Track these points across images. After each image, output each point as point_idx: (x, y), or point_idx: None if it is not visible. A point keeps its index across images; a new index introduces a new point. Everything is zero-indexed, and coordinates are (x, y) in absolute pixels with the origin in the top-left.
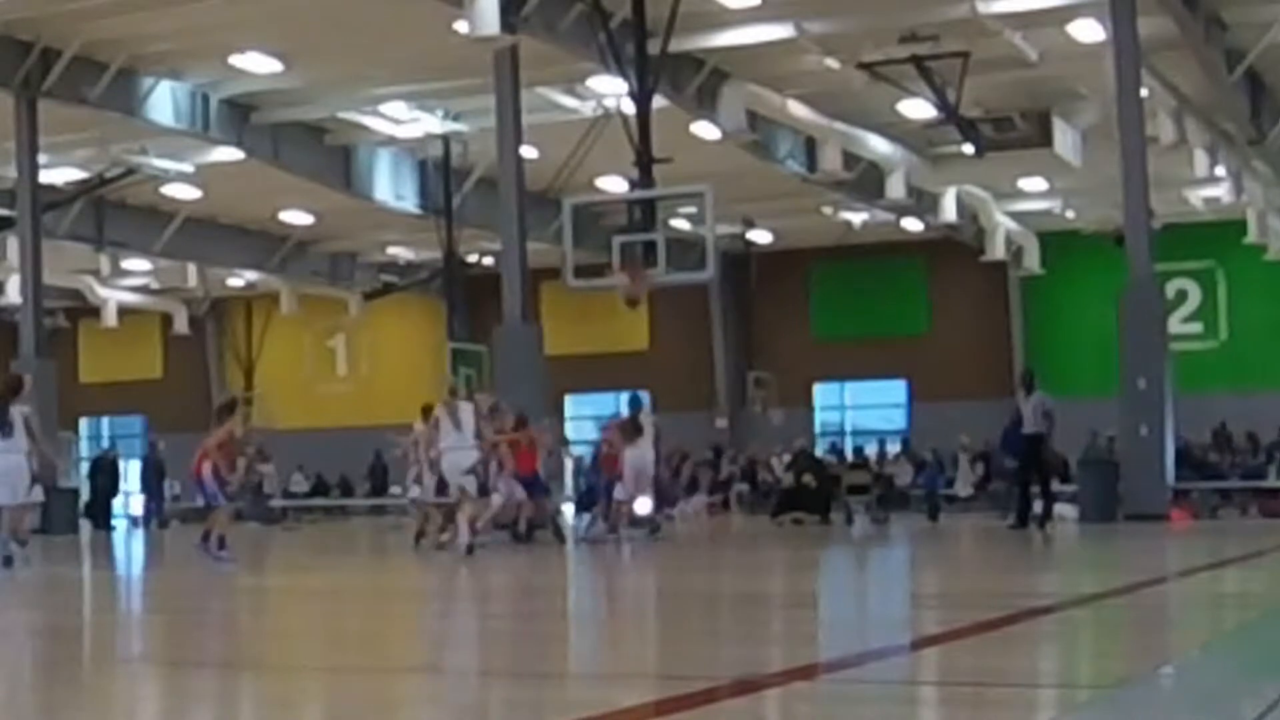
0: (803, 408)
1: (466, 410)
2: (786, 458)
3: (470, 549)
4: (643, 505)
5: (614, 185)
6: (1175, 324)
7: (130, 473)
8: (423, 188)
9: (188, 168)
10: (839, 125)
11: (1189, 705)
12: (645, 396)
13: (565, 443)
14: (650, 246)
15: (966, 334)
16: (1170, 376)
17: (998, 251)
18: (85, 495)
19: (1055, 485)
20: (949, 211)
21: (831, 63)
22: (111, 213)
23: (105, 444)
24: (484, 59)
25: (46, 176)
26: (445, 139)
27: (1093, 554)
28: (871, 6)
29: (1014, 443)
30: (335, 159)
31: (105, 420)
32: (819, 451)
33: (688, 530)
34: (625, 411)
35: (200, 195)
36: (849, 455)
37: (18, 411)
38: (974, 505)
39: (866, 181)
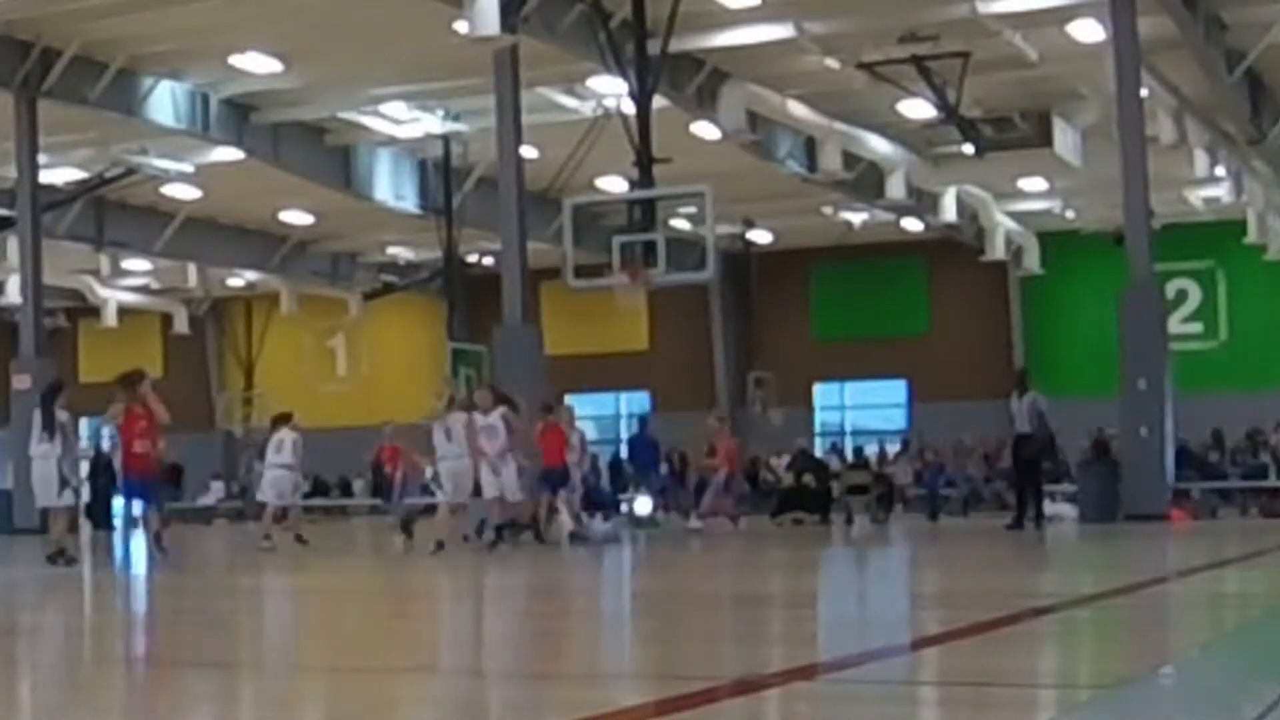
0: (803, 408)
1: (457, 422)
2: (786, 458)
3: (440, 545)
4: (642, 505)
5: (614, 185)
6: (1175, 324)
7: None
8: (423, 188)
9: (187, 168)
10: (839, 125)
11: (1189, 705)
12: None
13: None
14: (650, 246)
15: (967, 334)
16: (1170, 376)
17: (998, 251)
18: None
19: (1059, 486)
20: (949, 211)
21: (831, 63)
22: (111, 213)
23: (105, 445)
24: (484, 59)
25: (46, 176)
26: (445, 139)
27: (1093, 554)
28: (871, 6)
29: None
30: (335, 159)
31: None
32: (819, 451)
33: (686, 532)
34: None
35: (200, 195)
36: (849, 455)
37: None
38: (977, 505)
39: (866, 181)
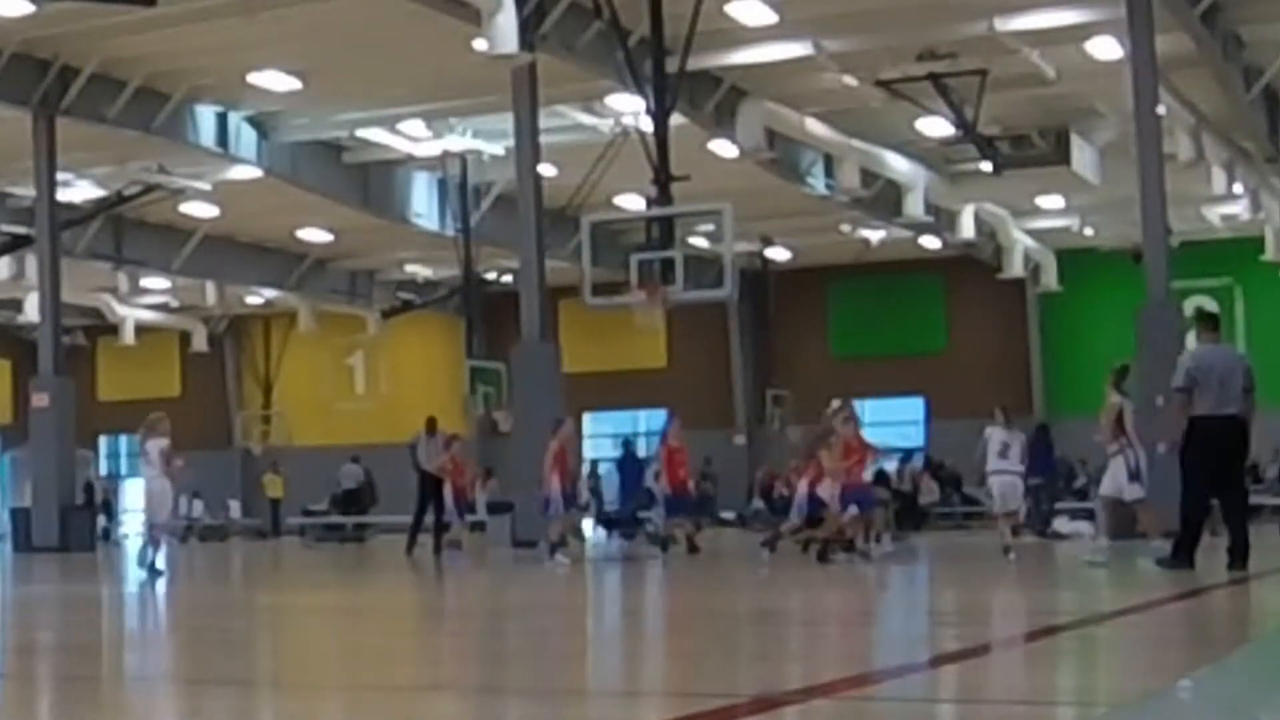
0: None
1: (154, 446)
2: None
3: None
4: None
5: (632, 203)
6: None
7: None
8: (441, 206)
9: (206, 185)
10: (857, 143)
11: (1206, 719)
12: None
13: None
14: (668, 264)
15: (984, 351)
16: None
17: (1016, 269)
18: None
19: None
20: (967, 229)
21: (849, 80)
22: (130, 231)
23: (123, 463)
24: (502, 77)
25: (65, 194)
26: (463, 157)
27: (1111, 571)
28: (889, 24)
29: (1040, 460)
30: (353, 177)
31: (123, 438)
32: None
33: (707, 548)
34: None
35: (218, 213)
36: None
37: None
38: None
39: (884, 199)
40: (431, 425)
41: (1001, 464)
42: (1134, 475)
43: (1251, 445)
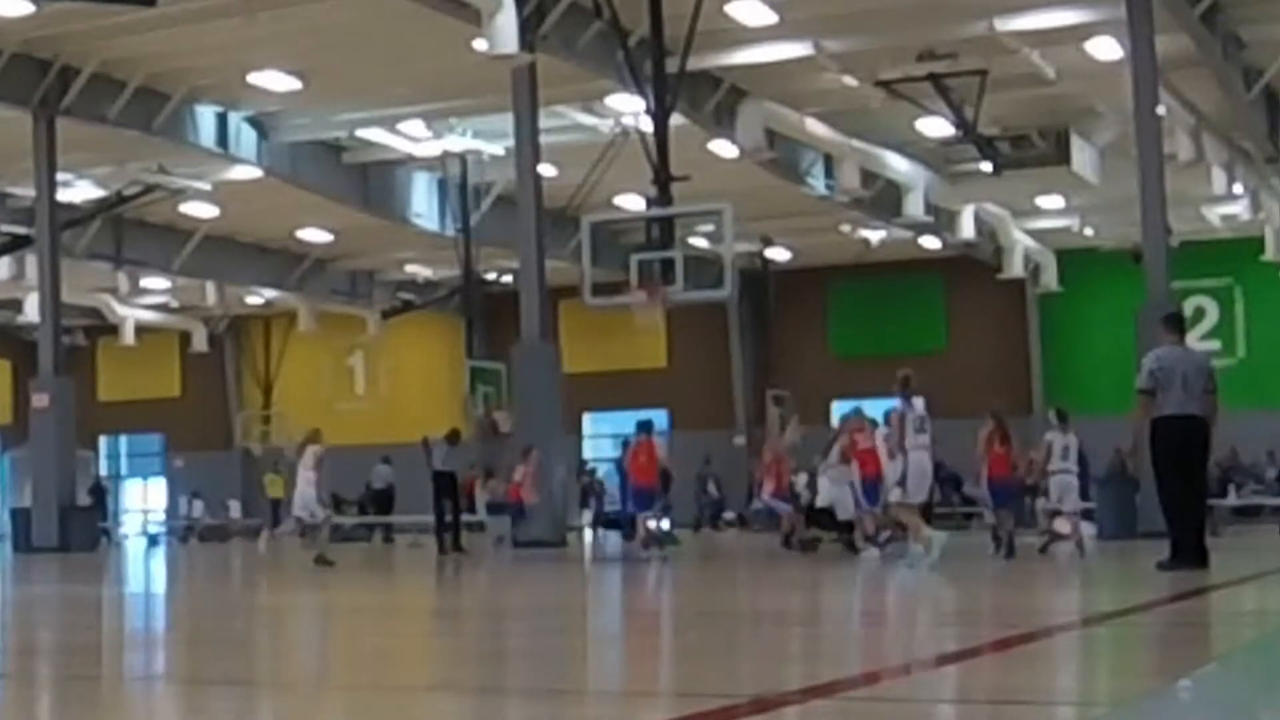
0: (822, 425)
1: (309, 453)
2: (804, 476)
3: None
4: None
5: (632, 203)
6: (1193, 341)
7: (150, 492)
8: (441, 206)
9: (206, 185)
10: (857, 143)
11: (1206, 719)
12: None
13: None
14: (668, 264)
15: (984, 351)
16: None
17: (1016, 269)
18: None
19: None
20: (967, 229)
21: (849, 81)
22: (130, 231)
23: (123, 463)
24: (502, 77)
25: (65, 195)
26: (463, 157)
27: (1110, 571)
28: (889, 24)
29: None
30: (353, 177)
31: (123, 439)
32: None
33: (704, 548)
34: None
35: (218, 213)
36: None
37: None
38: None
39: (884, 199)
40: (455, 436)
41: (1062, 464)
42: (900, 480)
43: (1212, 445)
